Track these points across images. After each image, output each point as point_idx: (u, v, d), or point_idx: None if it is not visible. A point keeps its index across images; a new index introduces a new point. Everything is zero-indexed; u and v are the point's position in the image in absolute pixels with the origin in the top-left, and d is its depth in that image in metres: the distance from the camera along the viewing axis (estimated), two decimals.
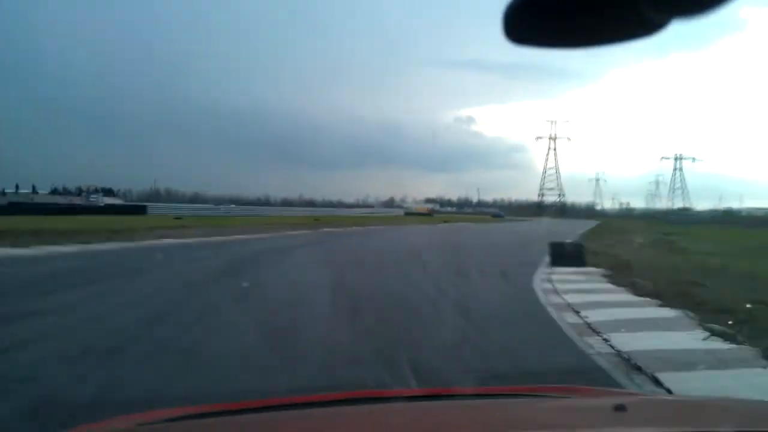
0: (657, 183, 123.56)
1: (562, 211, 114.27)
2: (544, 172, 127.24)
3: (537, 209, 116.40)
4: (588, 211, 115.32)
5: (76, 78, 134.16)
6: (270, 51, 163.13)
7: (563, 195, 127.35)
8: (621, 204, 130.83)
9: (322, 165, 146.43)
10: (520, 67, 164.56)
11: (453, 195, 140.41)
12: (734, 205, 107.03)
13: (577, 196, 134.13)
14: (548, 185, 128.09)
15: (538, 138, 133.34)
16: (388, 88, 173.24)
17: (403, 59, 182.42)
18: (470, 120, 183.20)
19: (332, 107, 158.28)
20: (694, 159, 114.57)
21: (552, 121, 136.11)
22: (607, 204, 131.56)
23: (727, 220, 78.07)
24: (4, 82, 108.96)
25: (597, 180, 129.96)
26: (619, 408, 1.40)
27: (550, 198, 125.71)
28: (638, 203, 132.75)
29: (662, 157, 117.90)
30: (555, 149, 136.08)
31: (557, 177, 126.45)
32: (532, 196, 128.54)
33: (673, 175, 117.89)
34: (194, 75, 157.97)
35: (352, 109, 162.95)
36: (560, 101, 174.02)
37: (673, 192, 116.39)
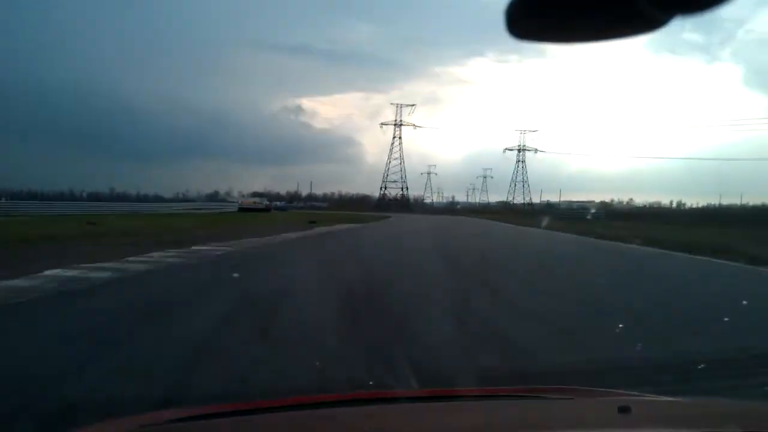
0: (485, 177, 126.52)
1: (406, 205, 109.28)
2: (388, 162, 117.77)
3: (379, 204, 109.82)
4: (423, 206, 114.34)
5: None
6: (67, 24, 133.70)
7: (407, 188, 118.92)
8: (446, 198, 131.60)
9: (136, 156, 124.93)
10: (349, 56, 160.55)
11: (282, 189, 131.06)
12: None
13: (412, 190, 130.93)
14: (392, 177, 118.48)
15: (383, 125, 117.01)
16: (210, 73, 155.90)
17: (225, 41, 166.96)
18: (298, 110, 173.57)
19: (148, 92, 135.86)
20: (536, 150, 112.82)
21: (398, 105, 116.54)
22: (435, 198, 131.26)
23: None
24: None
25: (428, 174, 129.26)
26: (624, 409, 1.42)
27: (393, 191, 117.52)
28: (462, 197, 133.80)
29: (505, 149, 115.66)
30: (400, 137, 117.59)
31: (402, 169, 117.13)
32: (365, 190, 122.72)
33: (516, 167, 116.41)
34: None
35: (170, 96, 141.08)
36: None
37: (515, 185, 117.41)
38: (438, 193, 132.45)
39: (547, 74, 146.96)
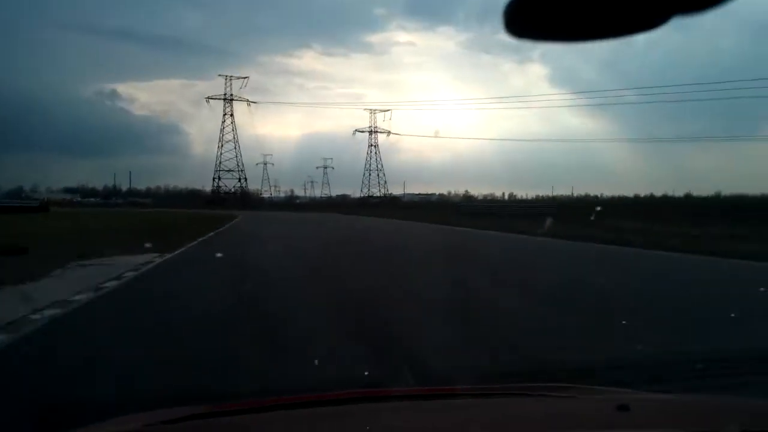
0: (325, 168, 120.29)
1: (245, 200, 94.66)
2: (220, 146, 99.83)
3: (212, 199, 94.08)
4: (260, 202, 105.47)
5: None
6: None
7: (245, 180, 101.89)
8: (285, 192, 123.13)
9: None
10: (173, 42, 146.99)
11: (101, 183, 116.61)
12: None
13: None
14: (226, 166, 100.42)
15: (209, 99, 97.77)
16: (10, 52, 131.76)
17: (29, 19, 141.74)
18: (114, 95, 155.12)
19: None
20: (389, 133, 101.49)
21: (227, 77, 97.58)
22: (272, 192, 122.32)
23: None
24: None
25: (264, 164, 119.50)
26: (622, 408, 1.41)
27: (230, 183, 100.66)
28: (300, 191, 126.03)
29: (355, 130, 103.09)
30: (232, 114, 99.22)
31: (238, 154, 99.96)
32: (196, 184, 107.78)
33: (368, 153, 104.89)
34: None
35: None
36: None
37: (369, 175, 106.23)
38: (275, 186, 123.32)
39: (373, 69, 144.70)
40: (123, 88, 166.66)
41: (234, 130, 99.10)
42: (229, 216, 40.87)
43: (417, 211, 52.49)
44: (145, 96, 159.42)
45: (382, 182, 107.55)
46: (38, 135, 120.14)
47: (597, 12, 0.98)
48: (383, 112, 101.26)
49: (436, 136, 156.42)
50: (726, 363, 4.12)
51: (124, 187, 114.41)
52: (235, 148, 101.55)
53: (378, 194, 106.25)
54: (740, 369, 3.95)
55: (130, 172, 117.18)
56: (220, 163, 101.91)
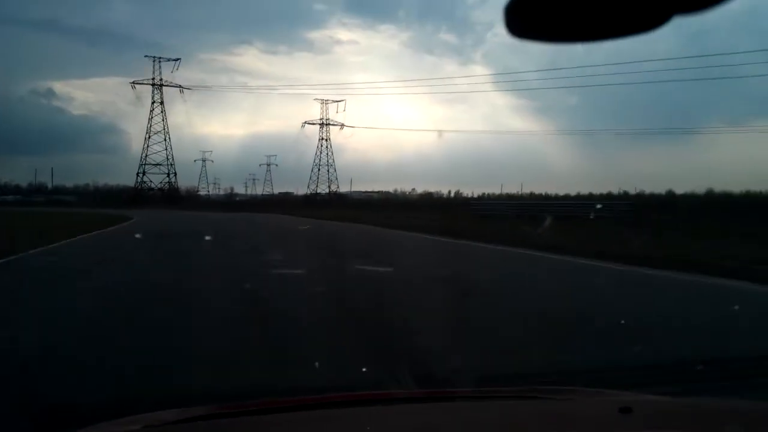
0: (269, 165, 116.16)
1: (173, 198, 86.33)
2: (147, 138, 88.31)
3: (135, 195, 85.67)
4: (197, 199, 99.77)
5: None
6: None
7: (174, 175, 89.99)
8: (225, 190, 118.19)
9: None
10: (106, 36, 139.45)
11: (27, 182, 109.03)
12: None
13: (184, 181, 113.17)
14: (154, 159, 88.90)
15: (135, 84, 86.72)
16: None
17: None
18: (50, 94, 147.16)
19: None
20: (342, 125, 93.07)
21: (155, 59, 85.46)
22: (211, 190, 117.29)
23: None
24: None
25: (203, 161, 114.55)
26: (625, 410, 1.41)
27: (157, 178, 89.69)
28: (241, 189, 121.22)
29: (305, 122, 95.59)
30: (161, 102, 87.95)
31: (167, 148, 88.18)
32: (129, 181, 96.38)
33: (319, 147, 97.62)
34: None
35: None
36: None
37: (318, 171, 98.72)
38: (215, 184, 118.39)
39: (317, 68, 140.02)
40: (59, 86, 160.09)
41: (164, 119, 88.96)
42: (120, 217, 33.91)
43: (382, 211, 42.51)
44: (82, 94, 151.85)
45: (333, 178, 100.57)
46: None
47: (598, 12, 0.99)
48: (336, 103, 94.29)
49: (397, 130, 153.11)
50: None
51: (49, 184, 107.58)
52: (165, 140, 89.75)
53: (325, 191, 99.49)
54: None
55: (52, 169, 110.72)
56: (146, 156, 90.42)
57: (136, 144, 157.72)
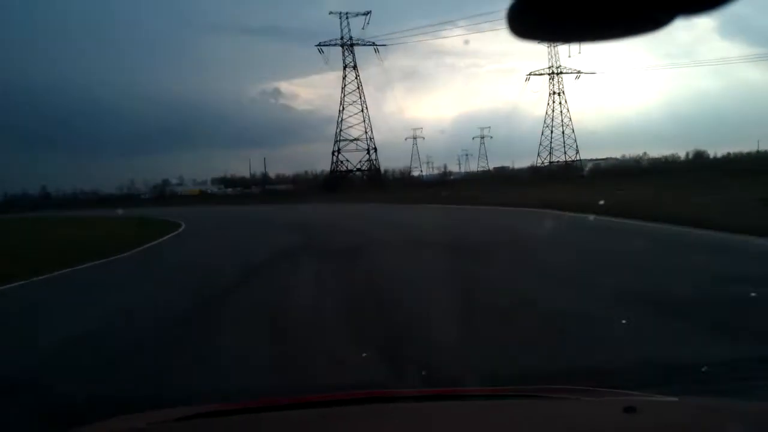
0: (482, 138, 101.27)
1: (376, 180, 69.32)
2: (341, 110, 71.28)
3: (329, 181, 71.28)
4: (410, 182, 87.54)
5: None
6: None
7: (374, 151, 71.03)
8: (438, 169, 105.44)
9: (120, 151, 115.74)
10: (320, 34, 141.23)
11: (258, 173, 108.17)
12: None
13: (390, 162, 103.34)
14: (349, 135, 70.96)
15: (321, 46, 70.11)
16: (182, 59, 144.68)
17: (192, 26, 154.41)
18: (277, 93, 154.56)
19: (118, 84, 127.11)
20: (579, 74, 72.88)
21: (341, 14, 70.09)
22: (425, 170, 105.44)
23: None
24: None
25: (414, 139, 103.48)
26: (629, 409, 1.40)
27: (356, 156, 71.72)
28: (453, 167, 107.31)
29: (530, 73, 75.24)
30: (354, 66, 71.86)
31: (365, 119, 70.76)
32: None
33: (550, 104, 76.32)
34: None
35: (144, 87, 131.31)
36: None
37: (551, 134, 76.60)
38: (428, 163, 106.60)
39: None
40: (285, 86, 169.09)
41: (359, 86, 71.67)
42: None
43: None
44: (304, 91, 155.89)
45: (569, 143, 75.36)
46: (208, 133, 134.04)
47: (601, 13, 0.97)
48: (567, 46, 72.46)
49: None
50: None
51: (273, 174, 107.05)
52: (362, 110, 71.00)
53: (559, 161, 75.71)
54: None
55: (264, 158, 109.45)
56: (340, 131, 72.29)
57: (353, 131, 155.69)
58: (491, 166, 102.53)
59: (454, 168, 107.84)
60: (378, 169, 73.82)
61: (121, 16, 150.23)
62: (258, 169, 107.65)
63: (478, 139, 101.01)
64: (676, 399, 1.95)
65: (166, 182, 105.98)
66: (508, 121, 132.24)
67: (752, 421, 1.49)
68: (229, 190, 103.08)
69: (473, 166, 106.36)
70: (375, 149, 72.13)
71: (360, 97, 71.66)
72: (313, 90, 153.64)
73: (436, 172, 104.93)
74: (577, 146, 75.07)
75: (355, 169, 72.44)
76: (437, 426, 1.57)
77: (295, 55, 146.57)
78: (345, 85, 72.49)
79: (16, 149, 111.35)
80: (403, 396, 1.95)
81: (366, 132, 71.63)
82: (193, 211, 36.71)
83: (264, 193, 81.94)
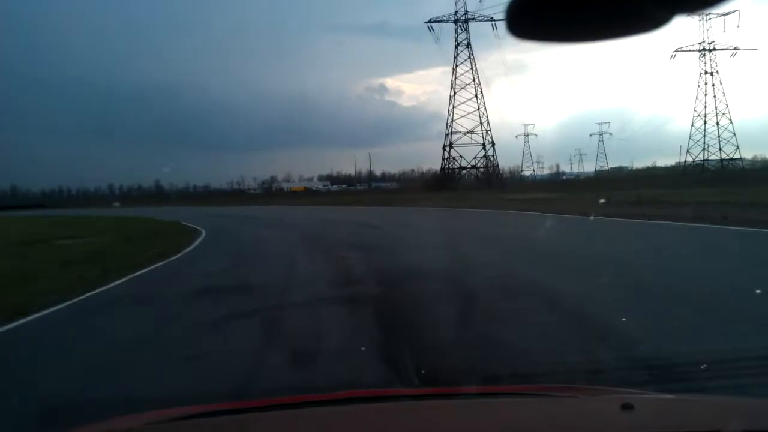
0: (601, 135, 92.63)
1: (494, 180, 60.95)
2: (452, 98, 63.03)
3: (440, 179, 62.88)
4: (519, 181, 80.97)
5: None
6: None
7: (492, 146, 61.92)
8: (550, 169, 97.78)
9: (227, 147, 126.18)
10: (423, 30, 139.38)
11: (364, 170, 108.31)
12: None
13: (502, 161, 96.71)
14: (462, 127, 62.51)
15: (432, 23, 62.22)
16: (290, 59, 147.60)
17: (299, 25, 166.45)
18: (382, 89, 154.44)
19: (231, 84, 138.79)
20: (735, 50, 62.34)
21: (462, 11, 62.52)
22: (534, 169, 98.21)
23: None
24: None
25: (526, 136, 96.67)
26: (626, 407, 1.41)
27: (469, 151, 62.74)
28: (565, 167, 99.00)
29: (676, 50, 65.57)
30: (468, 44, 63.66)
31: (481, 108, 61.81)
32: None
33: (701, 86, 66.00)
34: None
35: (254, 85, 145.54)
36: (465, 68, 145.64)
37: (704, 126, 65.30)
38: (538, 162, 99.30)
39: None
40: (389, 81, 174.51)
41: (473, 66, 62.30)
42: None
43: None
44: (409, 87, 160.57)
45: (724, 138, 63.23)
46: (314, 131, 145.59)
47: (599, 13, 0.97)
48: (722, 17, 59.26)
49: None
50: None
51: (378, 172, 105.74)
52: (476, 95, 61.32)
53: (713, 159, 64.19)
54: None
55: (369, 154, 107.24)
56: (451, 123, 62.89)
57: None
58: (610, 164, 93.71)
59: (565, 168, 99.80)
60: (495, 167, 64.59)
61: (232, 16, 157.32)
62: (363, 167, 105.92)
63: (595, 137, 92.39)
64: (673, 396, 1.98)
65: (273, 179, 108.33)
66: (637, 113, 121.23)
67: (749, 418, 1.44)
68: (334, 187, 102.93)
69: (588, 167, 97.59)
70: (492, 143, 63.46)
71: (474, 80, 63.47)
72: (418, 86, 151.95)
73: (546, 172, 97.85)
74: (736, 140, 63.80)
75: (468, 166, 64.31)
76: (437, 425, 1.55)
77: (400, 50, 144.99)
78: (457, 66, 64.59)
79: (132, 145, 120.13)
80: (403, 395, 2.06)
81: (481, 123, 62.96)
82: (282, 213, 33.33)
83: (369, 191, 79.31)
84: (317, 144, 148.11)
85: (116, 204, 62.59)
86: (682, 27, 62.39)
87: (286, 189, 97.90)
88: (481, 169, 63.43)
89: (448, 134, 64.20)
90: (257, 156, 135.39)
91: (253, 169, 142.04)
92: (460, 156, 63.77)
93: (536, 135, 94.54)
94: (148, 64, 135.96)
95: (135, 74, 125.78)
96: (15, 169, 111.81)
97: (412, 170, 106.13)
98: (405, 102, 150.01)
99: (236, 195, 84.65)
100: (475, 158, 63.49)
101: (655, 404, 1.71)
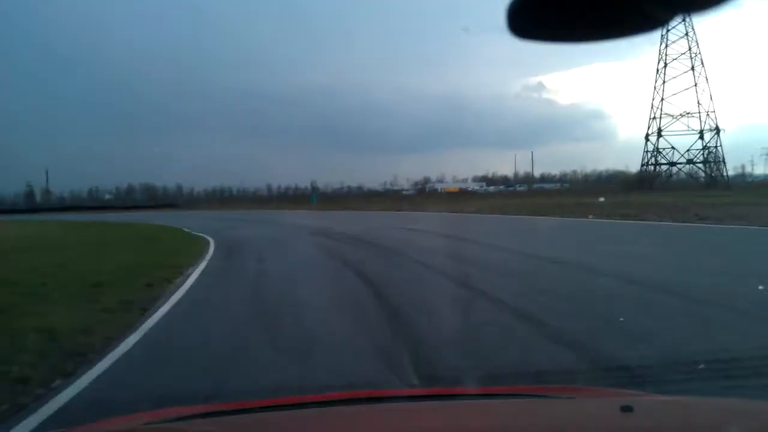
0: None
1: (712, 178, 45.10)
2: (663, 73, 49.36)
3: (643, 178, 48.08)
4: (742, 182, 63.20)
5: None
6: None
7: (716, 133, 46.74)
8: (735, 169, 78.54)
9: (383, 149, 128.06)
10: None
11: (521, 171, 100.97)
12: None
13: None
14: (671, 113, 47.88)
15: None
16: (445, 58, 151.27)
17: (454, 26, 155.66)
18: (540, 87, 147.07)
19: (392, 85, 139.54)
20: None
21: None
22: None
23: None
24: None
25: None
26: (626, 408, 1.39)
27: (682, 141, 47.84)
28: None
29: None
30: (692, 29, 48.99)
31: (695, 77, 47.76)
32: (619, 166, 68.94)
33: None
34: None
35: (414, 86, 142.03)
36: (640, 60, 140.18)
37: None
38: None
39: None
40: (547, 80, 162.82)
41: (688, 33, 46.51)
42: None
43: None
44: (567, 84, 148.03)
45: None
46: (472, 131, 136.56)
47: (600, 13, 0.96)
48: None
49: None
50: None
51: (538, 172, 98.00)
52: (695, 75, 46.27)
53: None
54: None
55: (532, 153, 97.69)
56: (661, 101, 48.38)
57: (624, 128, 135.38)
58: None
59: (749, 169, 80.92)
60: (720, 161, 47.14)
61: (389, 19, 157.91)
62: (522, 168, 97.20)
63: None
64: (672, 398, 2.00)
65: (426, 179, 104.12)
66: None
67: (748, 419, 1.43)
68: (491, 188, 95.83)
69: None
70: (717, 130, 46.28)
71: (689, 49, 47.46)
72: (575, 84, 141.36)
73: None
74: None
75: (680, 162, 48.34)
76: (436, 425, 1.53)
77: (557, 47, 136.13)
78: (668, 30, 47.73)
79: (289, 147, 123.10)
80: (403, 396, 2.10)
81: (699, 103, 46.41)
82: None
83: (530, 192, 70.51)
84: (471, 144, 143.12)
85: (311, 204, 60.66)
86: None
87: (440, 190, 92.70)
88: (699, 165, 47.43)
89: (654, 119, 49.09)
90: (411, 157, 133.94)
91: (407, 170, 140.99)
92: (672, 148, 48.10)
93: (724, 130, 75.65)
94: (315, 72, 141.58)
95: (304, 79, 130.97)
96: (182, 171, 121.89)
97: (574, 171, 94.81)
98: (562, 100, 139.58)
99: (390, 196, 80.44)
100: (690, 152, 47.69)
101: (654, 406, 1.68)
